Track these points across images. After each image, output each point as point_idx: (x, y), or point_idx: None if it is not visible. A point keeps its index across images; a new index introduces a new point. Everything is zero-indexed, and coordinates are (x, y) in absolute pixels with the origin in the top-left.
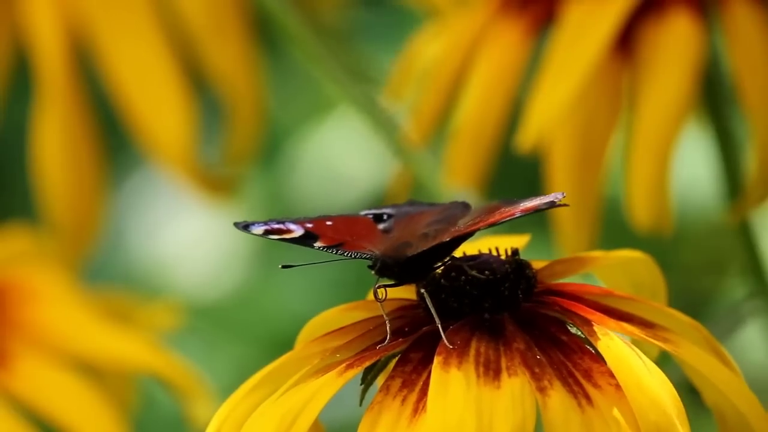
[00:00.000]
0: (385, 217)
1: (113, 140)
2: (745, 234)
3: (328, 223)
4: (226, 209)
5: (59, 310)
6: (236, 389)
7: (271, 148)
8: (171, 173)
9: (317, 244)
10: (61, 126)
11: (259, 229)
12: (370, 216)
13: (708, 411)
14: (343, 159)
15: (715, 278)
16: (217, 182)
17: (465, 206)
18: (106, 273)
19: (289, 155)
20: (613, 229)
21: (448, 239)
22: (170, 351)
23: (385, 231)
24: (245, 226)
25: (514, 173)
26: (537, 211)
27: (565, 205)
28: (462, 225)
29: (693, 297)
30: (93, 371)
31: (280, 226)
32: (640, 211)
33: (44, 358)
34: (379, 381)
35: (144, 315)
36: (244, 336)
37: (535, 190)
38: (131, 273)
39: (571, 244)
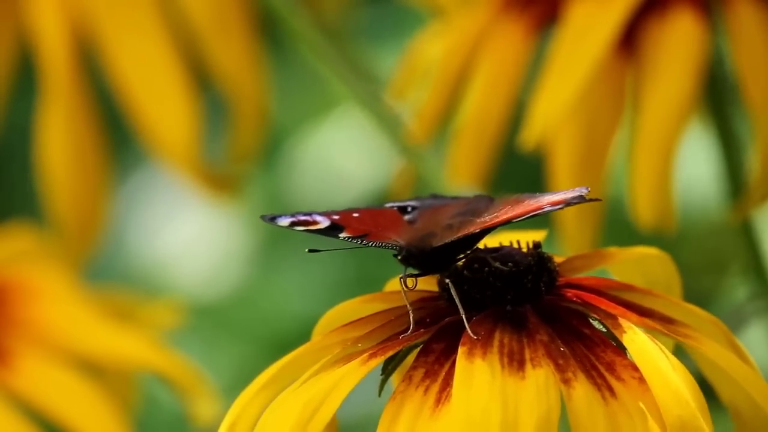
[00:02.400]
0: (409, 209)
1: (115, 138)
2: (747, 233)
3: (355, 215)
4: (227, 208)
5: (61, 309)
6: (236, 389)
7: (273, 147)
8: (174, 171)
9: (343, 235)
10: (65, 124)
11: (285, 221)
12: (396, 208)
13: (719, 407)
14: (343, 158)
15: (716, 278)
16: (220, 180)
17: (489, 199)
18: (107, 272)
19: (290, 154)
20: (616, 227)
21: (472, 231)
22: (172, 349)
23: (410, 222)
24: (272, 218)
25: (516, 171)
26: (567, 205)
27: (596, 199)
28: (487, 217)
29: (695, 297)
30: (95, 369)
31: (307, 218)
32: (644, 210)
33: (46, 356)
34: (394, 378)
35: (145, 314)
36: (244, 336)
37: (538, 189)
38: (131, 272)
39: (574, 242)
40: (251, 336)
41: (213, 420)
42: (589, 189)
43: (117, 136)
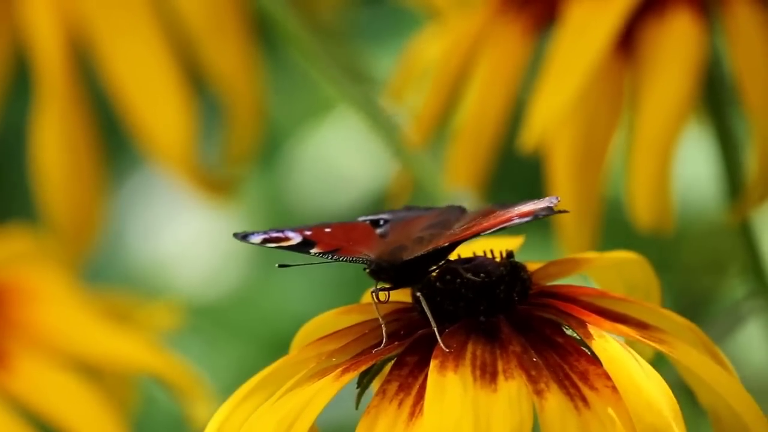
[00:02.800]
0: (381, 222)
1: (112, 141)
2: (745, 234)
3: (327, 230)
4: (226, 209)
5: (59, 311)
6: (236, 389)
7: (270, 148)
8: (170, 174)
9: (313, 251)
10: (60, 126)
11: (257, 239)
12: (368, 222)
13: (704, 412)
14: (342, 159)
15: (715, 278)
16: (216, 183)
17: (461, 210)
18: (106, 273)
19: (288, 156)
20: (615, 228)
21: (442, 243)
22: (170, 351)
23: (382, 236)
24: (244, 236)
25: (514, 173)
26: (535, 217)
27: (564, 211)
28: (457, 229)
29: (693, 297)
30: (93, 372)
31: (279, 234)
32: (642, 211)
33: (44, 358)
34: (375, 384)
35: (144, 315)
36: (244, 336)
37: (536, 191)
38: (131, 273)
39: (572, 244)
40: (251, 336)
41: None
42: (559, 199)
43: (114, 138)
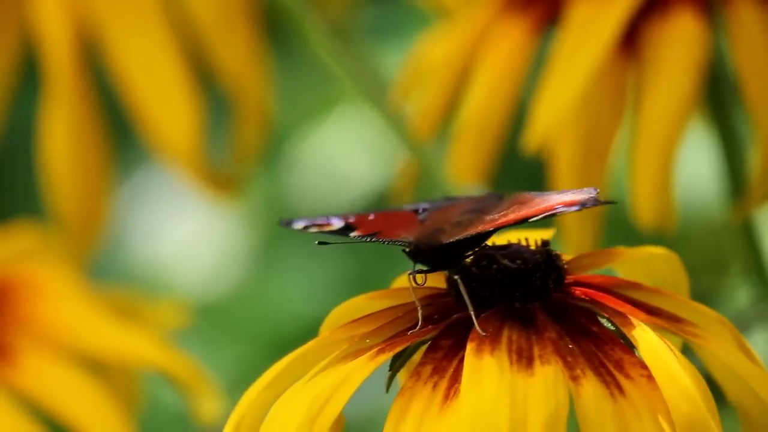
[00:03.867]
0: (420, 210)
1: (115, 137)
2: (747, 233)
3: (370, 217)
4: (227, 208)
5: (64, 307)
6: (236, 388)
7: (274, 146)
8: (177, 170)
9: (353, 234)
10: (68, 122)
11: (301, 224)
12: (411, 210)
13: (726, 406)
14: (343, 158)
15: (717, 278)
16: (222, 180)
17: (499, 197)
18: (108, 270)
19: (292, 154)
20: (617, 227)
21: (481, 228)
22: (175, 347)
23: (422, 221)
24: (288, 222)
25: (518, 171)
26: (582, 207)
27: (612, 202)
28: (497, 215)
29: (695, 297)
30: (98, 367)
31: (324, 221)
32: (644, 210)
33: (49, 354)
34: (400, 375)
35: (148, 312)
36: (244, 335)
37: (539, 188)
38: (132, 271)
39: (575, 242)
40: (251, 336)
41: (215, 418)
42: (599, 190)
43: (119, 134)
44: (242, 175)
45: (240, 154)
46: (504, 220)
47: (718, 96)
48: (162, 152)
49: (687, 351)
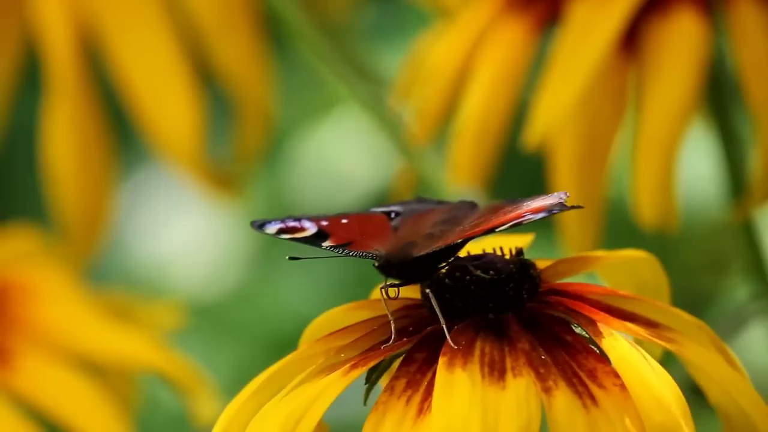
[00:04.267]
0: (392, 215)
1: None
2: (748, 233)
3: (344, 221)
4: (227, 208)
5: (62, 309)
6: (235, 389)
7: (274, 146)
8: (178, 169)
9: (326, 244)
10: (70, 122)
11: (273, 228)
12: (383, 213)
13: (711, 411)
14: (343, 158)
15: (717, 278)
16: (223, 179)
17: (471, 206)
18: (107, 272)
19: (291, 154)
20: (617, 227)
21: (452, 240)
22: (172, 349)
23: (394, 229)
24: (260, 225)
25: (518, 171)
26: (548, 213)
27: (577, 206)
28: (467, 226)
29: (695, 297)
30: (96, 369)
31: (295, 224)
32: (646, 210)
33: (47, 356)
34: (383, 380)
35: (146, 314)
36: (244, 335)
37: (539, 189)
38: (131, 271)
39: (575, 242)
40: (251, 336)
41: (213, 419)
42: (569, 194)
43: (119, 134)
44: (243, 175)
45: (241, 153)
46: (474, 231)
47: (718, 96)
48: (163, 151)
49: (671, 357)
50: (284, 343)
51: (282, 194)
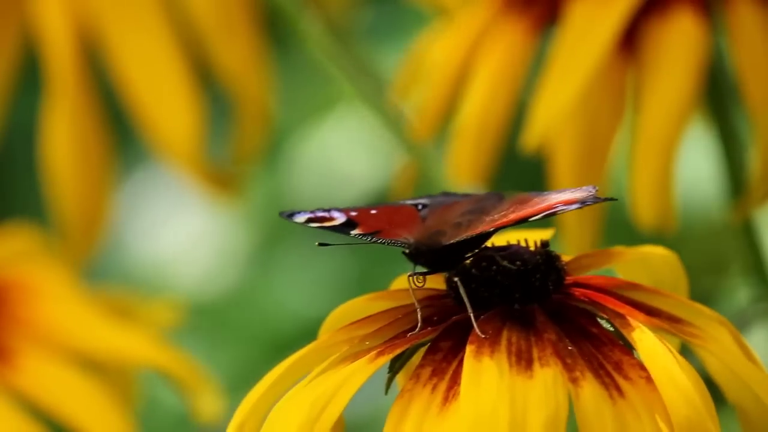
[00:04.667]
0: (420, 207)
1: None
2: (748, 233)
3: (372, 212)
4: (227, 207)
5: (63, 307)
6: (235, 388)
7: (274, 146)
8: (178, 169)
9: (355, 232)
10: (70, 122)
11: (303, 217)
12: (411, 205)
13: (725, 407)
14: (343, 158)
15: (717, 278)
16: (223, 179)
17: (499, 197)
18: (105, 273)
19: (292, 153)
20: (617, 228)
21: (481, 229)
22: (174, 347)
23: (422, 219)
24: (290, 215)
25: (517, 171)
26: (582, 205)
27: (612, 199)
28: (496, 215)
29: (695, 297)
30: (97, 368)
31: (324, 214)
32: (644, 210)
33: (48, 354)
34: (400, 378)
35: (145, 312)
36: (244, 335)
37: (538, 189)
38: (129, 273)
39: (574, 242)
40: (251, 336)
41: (215, 417)
42: (597, 188)
43: (119, 134)
44: (242, 175)
45: (240, 153)
46: (504, 220)
47: (717, 96)
48: (163, 152)
49: (686, 351)
50: (283, 343)
51: (282, 194)
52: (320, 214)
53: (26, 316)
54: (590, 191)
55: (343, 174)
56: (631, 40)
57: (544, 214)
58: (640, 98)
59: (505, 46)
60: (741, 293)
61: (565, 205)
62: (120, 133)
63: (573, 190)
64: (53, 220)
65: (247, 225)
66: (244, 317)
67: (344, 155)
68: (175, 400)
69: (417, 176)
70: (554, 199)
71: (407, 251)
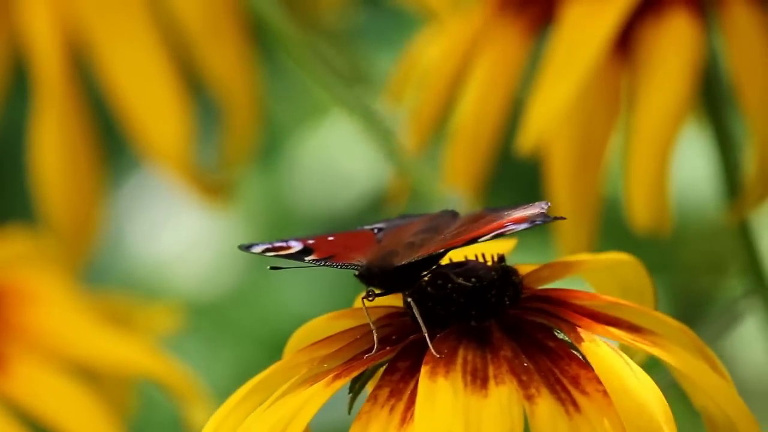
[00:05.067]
0: (376, 230)
1: (110, 143)
2: (744, 234)
3: (330, 238)
4: (225, 211)
5: (57, 314)
6: (234, 390)
7: (269, 149)
8: (168, 176)
9: (309, 258)
10: (59, 128)
11: (260, 249)
12: (370, 230)
13: (697, 414)
14: (340, 160)
15: (714, 279)
16: (213, 185)
17: (453, 215)
18: (104, 275)
19: (287, 157)
20: (612, 230)
21: (433, 249)
22: (168, 354)
23: (377, 242)
24: (248, 247)
25: (512, 175)
26: (531, 224)
27: (560, 218)
28: (448, 234)
29: (692, 298)
30: (91, 375)
31: (282, 244)
32: (640, 212)
33: (42, 361)
34: (369, 387)
35: (143, 317)
36: (243, 336)
37: (534, 192)
38: (129, 275)
39: (569, 245)
40: (250, 337)
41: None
42: (549, 204)
43: (112, 140)
44: (233, 180)
45: (230, 158)
46: (455, 240)
47: (713, 97)
48: (152, 158)
49: (657, 361)
50: (282, 344)
51: (279, 197)
52: (278, 244)
53: (20, 322)
54: (542, 208)
55: (340, 176)
56: (626, 41)
57: (494, 234)
58: (635, 99)
59: (499, 49)
60: (737, 293)
61: (514, 223)
62: (117, 135)
63: (525, 206)
64: (47, 225)
65: (246, 225)
66: (243, 317)
67: (341, 158)
68: (170, 404)
69: (411, 183)
70: (506, 217)
71: (359, 273)
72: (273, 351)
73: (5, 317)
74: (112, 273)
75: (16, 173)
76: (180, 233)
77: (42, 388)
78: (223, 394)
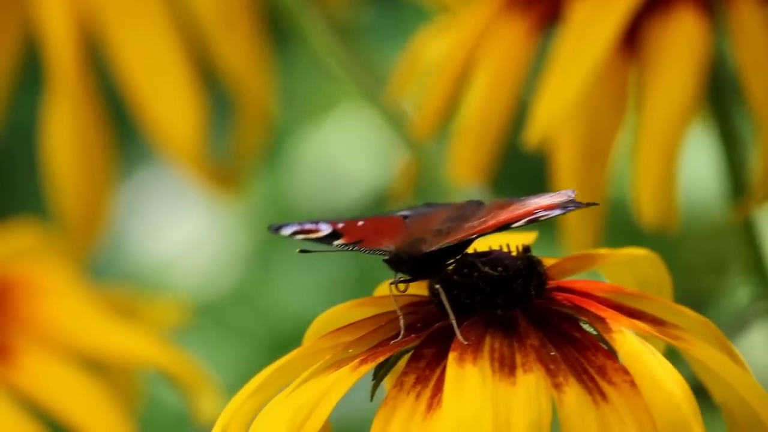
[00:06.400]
0: (405, 216)
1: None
2: (748, 233)
3: (359, 223)
4: (228, 205)
5: (64, 306)
6: (235, 387)
7: (274, 145)
8: (179, 167)
9: (337, 242)
10: (71, 119)
11: (289, 230)
12: (399, 215)
13: (715, 409)
14: (343, 157)
15: (718, 278)
16: (224, 177)
17: (479, 204)
18: (108, 269)
19: (292, 153)
20: (619, 227)
21: (461, 236)
22: (175, 346)
23: (405, 228)
24: (277, 228)
25: (519, 170)
26: (564, 210)
27: (592, 204)
28: (476, 222)
29: (696, 297)
30: (98, 367)
31: (312, 226)
32: (647, 209)
33: (49, 353)
34: (387, 381)
35: (148, 311)
36: (244, 334)
37: (541, 187)
38: (133, 269)
39: (575, 241)
40: (251, 335)
41: (215, 417)
42: (576, 192)
43: (121, 133)
44: (243, 172)
45: (241, 151)
46: (483, 227)
47: (719, 96)
48: (164, 149)
49: (675, 353)
50: (283, 342)
51: (282, 193)
52: (308, 226)
53: (28, 314)
54: (570, 195)
55: (344, 174)
56: (633, 38)
57: (525, 220)
58: (642, 97)
59: (506, 45)
60: (741, 293)
61: (545, 210)
62: (122, 131)
63: (552, 195)
64: (55, 218)
65: (247, 225)
66: (244, 317)
67: (345, 155)
68: (175, 399)
69: (418, 175)
70: (534, 204)
71: (387, 258)
72: (273, 349)
73: (13, 309)
74: (114, 269)
75: (22, 167)
76: (181, 232)
77: (50, 379)
78: (223, 392)
